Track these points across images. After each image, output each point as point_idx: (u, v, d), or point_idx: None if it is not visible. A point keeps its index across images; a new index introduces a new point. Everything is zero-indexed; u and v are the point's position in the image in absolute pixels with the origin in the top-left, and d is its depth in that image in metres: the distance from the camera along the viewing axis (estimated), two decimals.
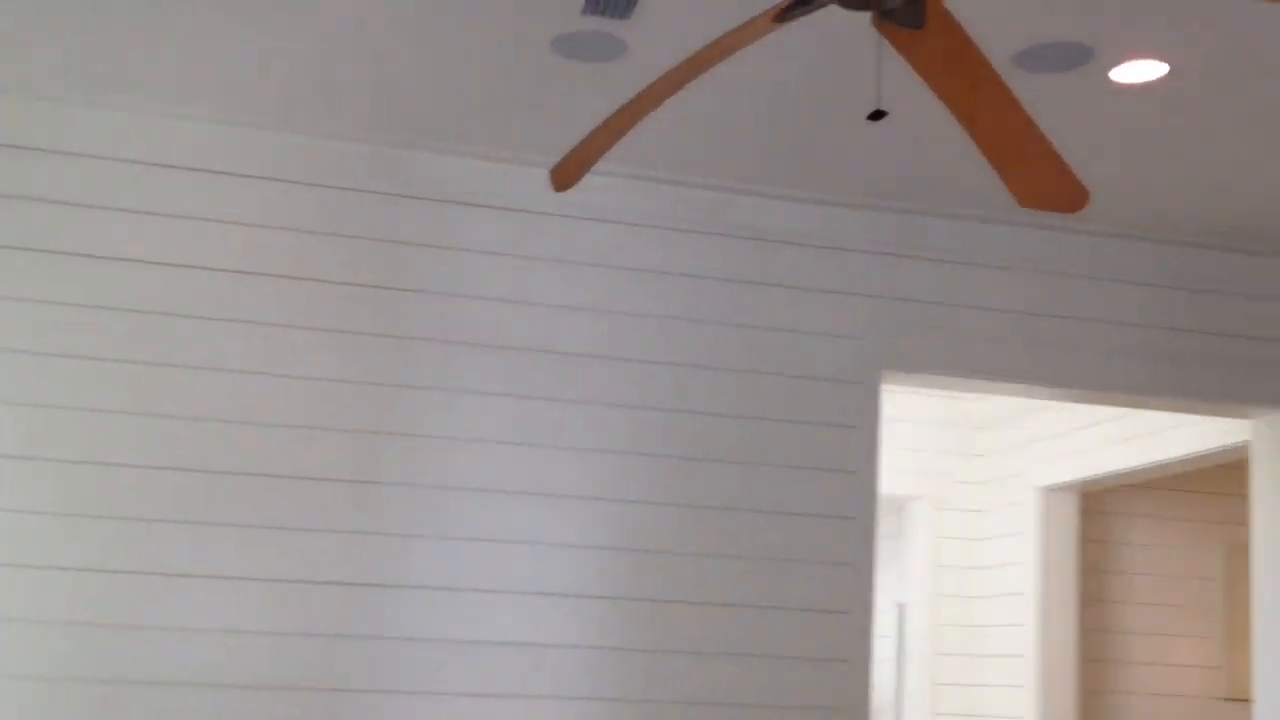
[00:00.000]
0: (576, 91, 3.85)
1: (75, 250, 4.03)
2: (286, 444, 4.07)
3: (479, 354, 4.26)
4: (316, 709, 3.97)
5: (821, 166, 4.34)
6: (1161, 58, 3.50)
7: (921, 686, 6.99)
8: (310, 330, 4.17)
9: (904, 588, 7.20)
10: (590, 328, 4.35)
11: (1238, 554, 7.05)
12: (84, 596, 3.86)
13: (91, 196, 4.06)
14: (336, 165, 4.26)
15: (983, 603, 7.07)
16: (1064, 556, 6.69)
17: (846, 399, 4.53)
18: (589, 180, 4.41)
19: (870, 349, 4.56)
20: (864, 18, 3.40)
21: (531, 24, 3.47)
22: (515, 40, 3.56)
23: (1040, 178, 2.85)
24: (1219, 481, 7.01)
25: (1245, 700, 6.88)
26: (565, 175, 2.98)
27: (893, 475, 7.04)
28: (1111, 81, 3.64)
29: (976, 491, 7.26)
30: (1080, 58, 3.51)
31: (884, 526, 8.55)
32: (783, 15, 2.34)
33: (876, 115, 2.24)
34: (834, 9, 3.36)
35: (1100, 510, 7.04)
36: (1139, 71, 3.58)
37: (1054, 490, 6.71)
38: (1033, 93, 3.73)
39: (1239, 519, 7.06)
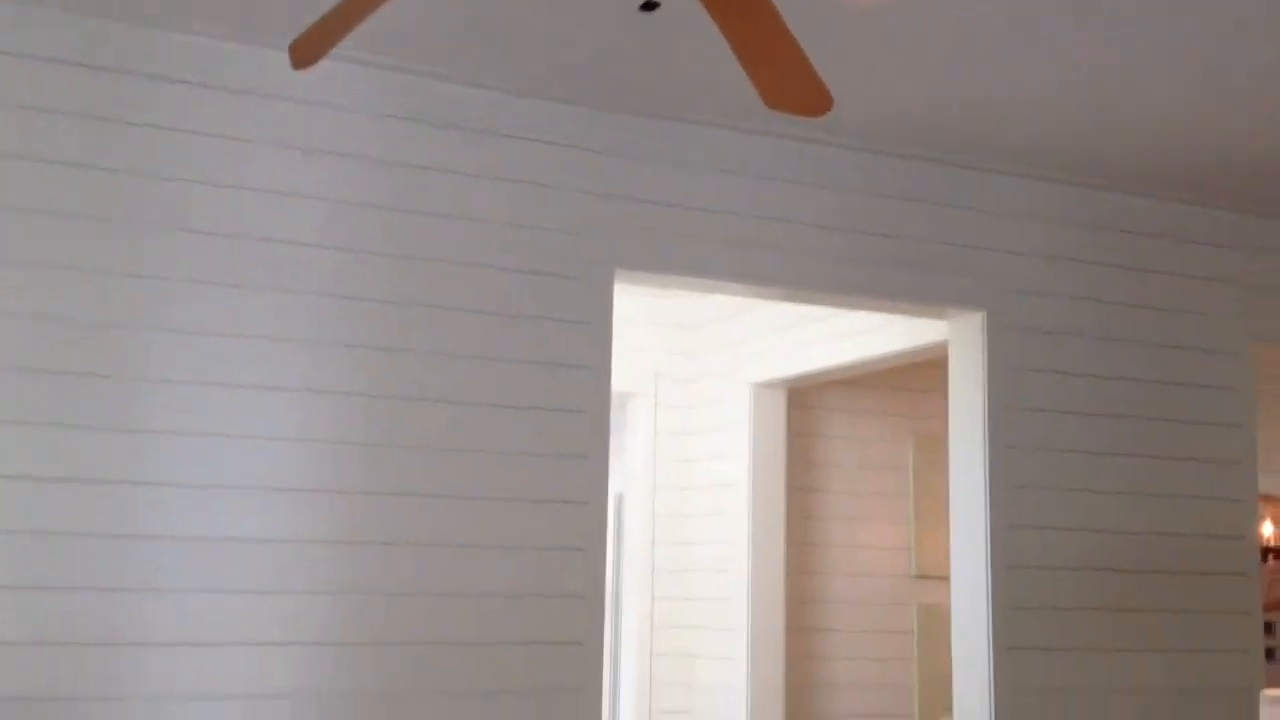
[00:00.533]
0: None
1: None
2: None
3: (195, 240, 4.05)
4: (40, 608, 3.75)
5: (565, 64, 4.31)
6: None
7: (641, 573, 7.24)
8: (15, 211, 3.86)
9: (623, 480, 7.40)
10: (315, 216, 4.21)
11: (926, 445, 7.58)
12: None
13: None
14: (47, 37, 3.93)
15: (698, 493, 7.36)
16: (773, 449, 7.02)
17: (579, 295, 4.57)
18: (318, 64, 4.23)
19: (602, 246, 4.61)
20: None
21: None
22: None
23: (788, 81, 2.93)
24: (911, 378, 7.50)
25: (931, 577, 7.46)
26: (305, 51, 2.85)
27: (613, 372, 7.19)
28: None
29: (692, 388, 7.50)
30: None
31: None
32: None
33: (648, 6, 2.24)
34: None
35: (806, 405, 7.41)
36: None
37: (764, 386, 7.01)
38: None
39: (928, 413, 7.59)
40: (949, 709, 6.46)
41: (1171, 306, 5.48)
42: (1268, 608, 6.27)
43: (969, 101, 4.59)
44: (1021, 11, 3.87)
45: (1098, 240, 5.39)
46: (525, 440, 4.42)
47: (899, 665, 7.41)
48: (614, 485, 8.50)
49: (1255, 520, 5.60)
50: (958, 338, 5.29)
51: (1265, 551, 6.18)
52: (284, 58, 4.17)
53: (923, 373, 7.36)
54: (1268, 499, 6.29)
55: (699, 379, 7.48)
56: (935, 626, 7.39)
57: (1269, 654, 6.61)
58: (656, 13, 3.88)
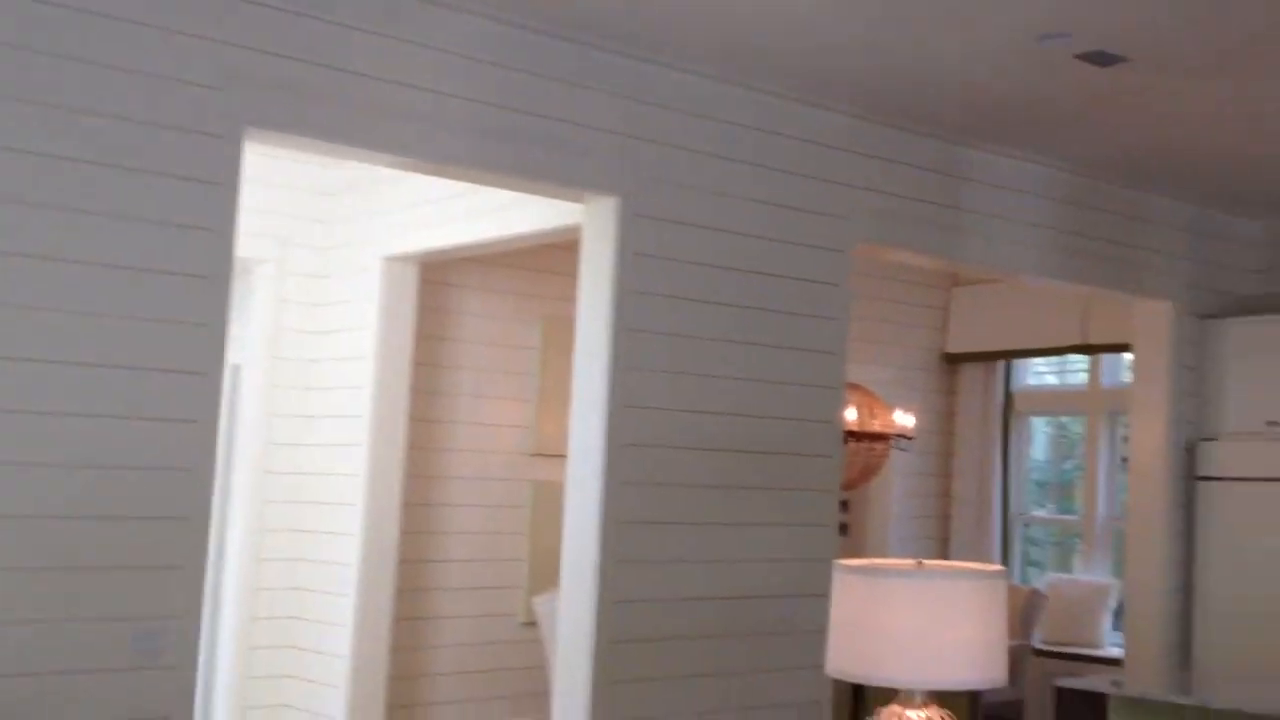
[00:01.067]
0: None
1: None
2: None
3: None
4: None
5: None
6: None
7: (253, 447, 7.05)
8: None
9: (241, 350, 7.13)
10: None
11: (555, 326, 7.73)
12: None
13: None
14: None
15: (322, 366, 7.21)
16: (401, 324, 6.97)
17: (204, 152, 4.34)
18: None
19: (232, 101, 4.38)
20: None
21: None
22: None
23: None
24: (545, 259, 7.59)
25: (548, 455, 7.66)
26: None
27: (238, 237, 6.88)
28: None
29: (321, 257, 7.31)
30: None
31: None
32: None
33: None
34: None
35: (439, 281, 7.39)
36: None
37: (397, 260, 6.93)
38: None
39: (559, 295, 7.71)
40: (557, 582, 6.71)
41: (787, 203, 5.80)
42: (845, 486, 6.84)
43: None
44: None
45: (730, 135, 5.61)
46: (140, 304, 4.18)
47: (512, 540, 7.62)
48: (232, 356, 8.20)
49: (841, 406, 6.08)
50: (591, 221, 5.39)
51: (846, 435, 6.73)
52: None
53: (556, 255, 7.46)
54: (850, 386, 6.84)
55: (330, 249, 7.29)
56: (548, 502, 7.62)
57: (842, 529, 7.25)
58: None
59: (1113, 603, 8.65)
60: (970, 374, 9.47)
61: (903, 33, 5.00)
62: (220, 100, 4.36)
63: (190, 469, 4.28)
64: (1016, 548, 9.40)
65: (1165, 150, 6.46)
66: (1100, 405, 9.14)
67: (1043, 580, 9.00)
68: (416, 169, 5.27)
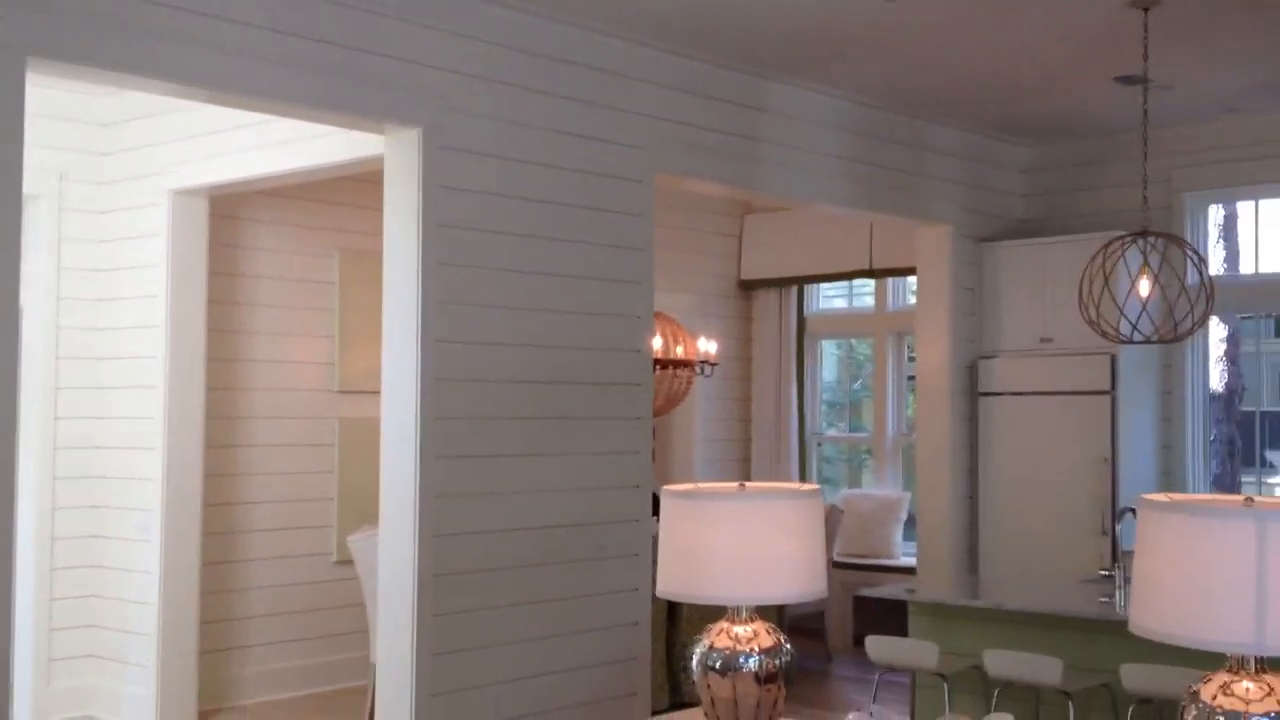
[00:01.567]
0: None
1: None
2: None
3: None
4: None
5: None
6: None
7: (39, 392, 6.73)
8: None
9: (22, 292, 6.76)
10: None
11: (353, 260, 7.60)
12: None
13: None
14: None
15: (111, 305, 6.91)
16: (193, 260, 6.73)
17: None
18: None
19: (10, 28, 4.13)
20: None
21: None
22: None
23: None
24: (339, 192, 7.44)
25: (354, 391, 7.56)
26: None
27: None
28: None
29: (103, 192, 6.98)
30: None
31: None
32: None
33: None
34: None
35: (230, 215, 7.15)
36: None
37: (185, 194, 6.67)
38: None
39: (356, 227, 7.59)
40: (371, 519, 6.66)
41: (590, 134, 5.82)
42: (653, 414, 6.98)
43: None
44: None
45: (533, 66, 5.58)
46: None
47: (321, 479, 7.50)
48: None
49: (650, 334, 6.18)
50: (393, 153, 5.30)
51: (654, 363, 6.86)
52: None
53: (350, 187, 7.32)
54: (657, 315, 6.95)
55: (112, 183, 6.96)
56: (356, 439, 7.54)
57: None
58: None
59: (904, 515, 9.10)
60: (765, 300, 9.73)
61: None
62: (1, 29, 4.11)
63: None
64: (813, 466, 9.76)
65: (945, 81, 6.74)
66: (887, 327, 9.53)
67: (837, 496, 9.38)
68: (209, 100, 5.07)
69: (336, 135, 5.73)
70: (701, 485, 3.34)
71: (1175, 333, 5.84)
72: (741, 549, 3.14)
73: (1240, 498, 2.42)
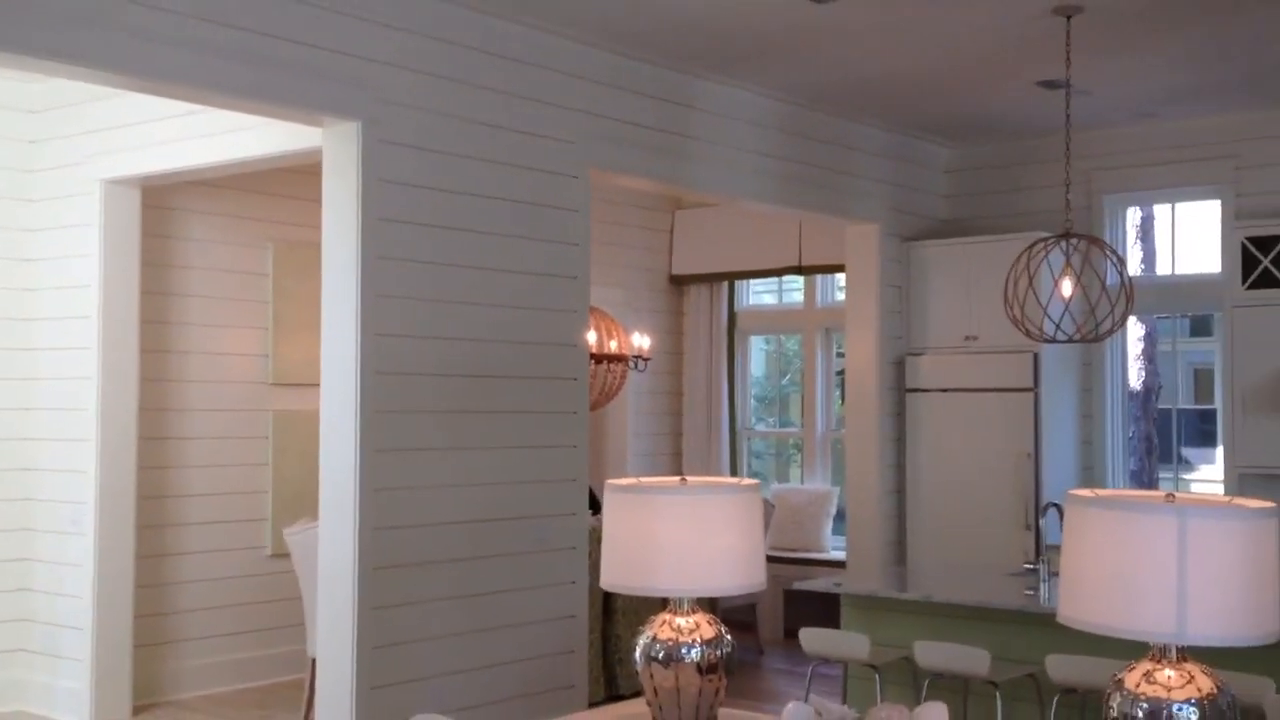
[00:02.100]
0: None
1: None
2: None
3: None
4: None
5: None
6: None
7: None
8: None
9: None
10: None
11: (288, 251, 7.58)
12: None
13: None
14: None
15: (41, 296, 6.83)
16: (126, 251, 6.68)
17: None
18: None
19: None
20: None
21: None
22: None
23: None
24: (274, 183, 7.41)
25: (288, 384, 7.55)
26: None
27: None
28: None
29: (32, 180, 6.89)
30: None
31: None
32: None
33: None
34: None
35: (162, 205, 7.10)
36: None
37: (117, 184, 6.62)
38: None
39: (291, 219, 7.57)
40: (306, 512, 6.66)
41: (527, 130, 5.87)
42: (590, 407, 7.04)
43: None
44: None
45: (470, 60, 5.62)
46: None
47: (255, 471, 7.48)
48: None
49: (585, 329, 6.25)
50: (332, 146, 5.31)
51: (589, 358, 6.92)
52: None
53: (285, 178, 7.30)
54: (591, 310, 7.01)
55: (43, 170, 6.88)
56: (291, 432, 7.53)
57: None
58: None
59: (833, 509, 9.26)
60: (696, 295, 9.83)
61: None
62: None
63: None
64: (743, 460, 9.89)
65: (871, 82, 6.88)
66: (816, 324, 9.67)
67: (768, 490, 9.51)
68: (144, 90, 5.03)
69: (272, 126, 5.72)
70: (644, 480, 3.41)
71: (1096, 332, 6.02)
72: (685, 542, 3.21)
73: (1162, 494, 2.54)
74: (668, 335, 9.77)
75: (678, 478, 3.45)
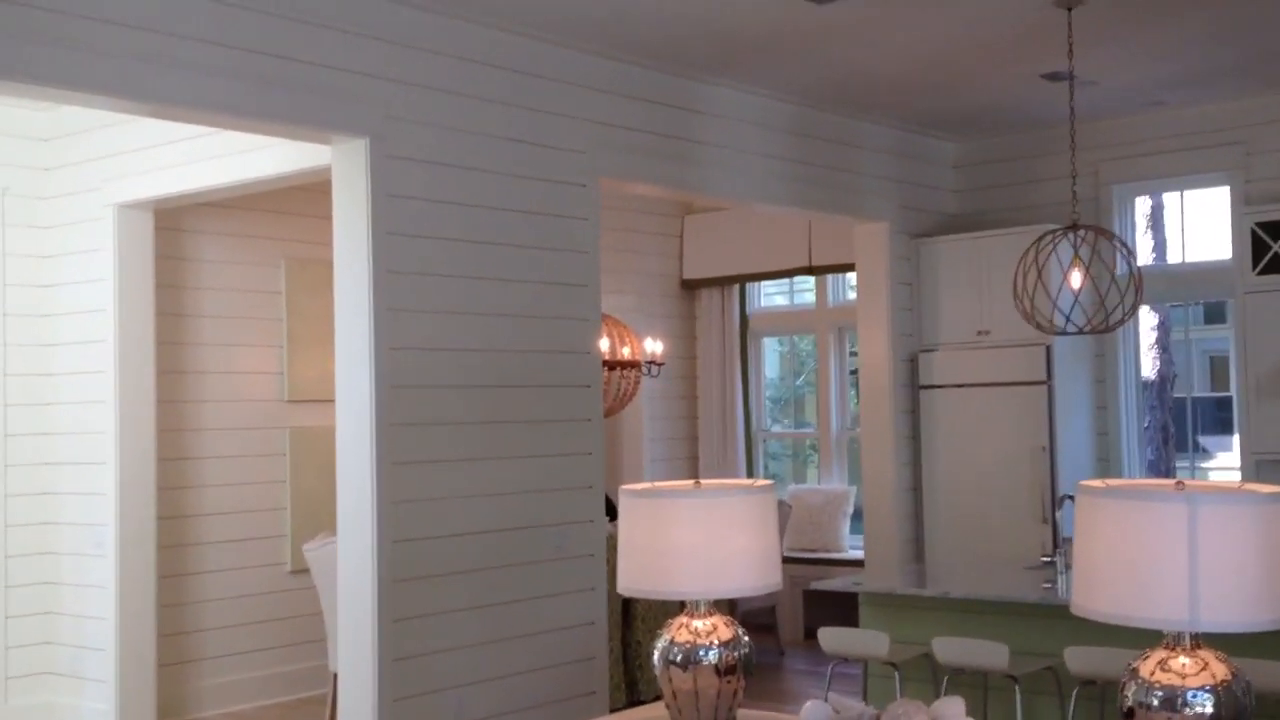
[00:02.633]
0: None
1: None
2: None
3: None
4: None
5: None
6: None
7: None
8: None
9: None
10: None
11: (300, 268, 7.63)
12: None
13: None
14: None
15: (59, 321, 6.89)
16: (140, 273, 6.73)
17: None
18: None
19: None
20: None
21: None
22: None
23: None
24: (284, 201, 7.46)
25: (304, 401, 7.59)
26: None
27: None
28: None
29: (45, 207, 6.96)
30: None
31: None
32: None
33: None
34: None
35: (175, 228, 7.15)
36: None
37: (130, 207, 6.67)
38: None
39: (302, 236, 7.61)
40: (325, 527, 6.69)
41: (534, 140, 5.90)
42: (604, 414, 7.07)
43: None
44: None
45: (476, 73, 5.65)
46: None
47: (273, 488, 7.52)
48: None
49: (598, 336, 6.28)
50: (341, 163, 5.35)
51: (603, 364, 6.94)
52: None
53: (295, 196, 7.34)
54: (603, 317, 7.05)
55: (56, 197, 6.94)
56: (308, 448, 7.57)
57: None
58: None
59: (850, 508, 9.26)
60: (708, 299, 9.85)
61: None
62: None
63: None
64: (759, 462, 9.90)
65: (876, 79, 6.89)
66: (828, 323, 9.68)
67: (785, 491, 9.52)
68: (154, 115, 5.10)
69: (281, 146, 5.77)
70: (658, 484, 3.42)
71: (1107, 323, 6.02)
72: (700, 544, 3.22)
73: (1172, 482, 2.55)
74: (681, 340, 9.79)
75: (691, 481, 3.47)
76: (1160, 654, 2.49)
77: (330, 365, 5.42)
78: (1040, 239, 6.00)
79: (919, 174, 8.20)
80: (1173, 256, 8.50)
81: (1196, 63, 6.75)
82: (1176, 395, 10.09)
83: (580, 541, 6.00)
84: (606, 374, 7.29)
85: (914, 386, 8.02)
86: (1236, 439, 7.52)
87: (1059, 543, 5.80)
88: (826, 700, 3.28)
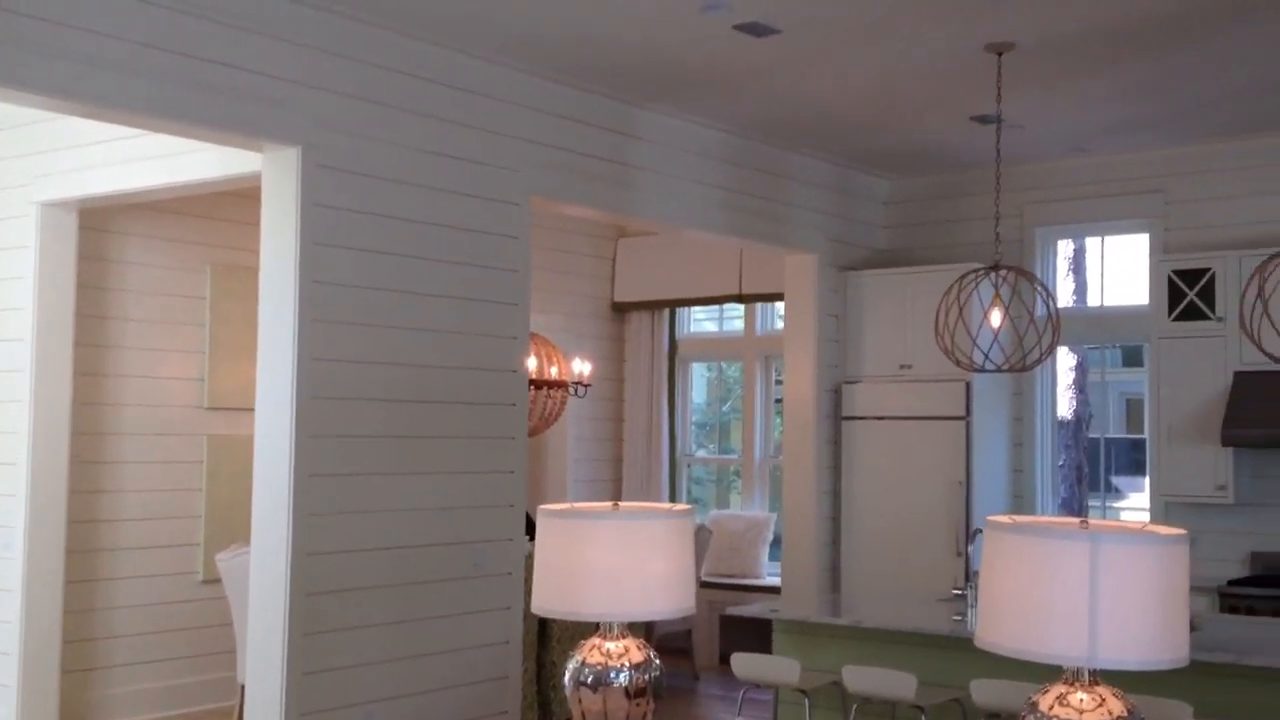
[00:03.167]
0: None
1: None
2: None
3: None
4: None
5: None
6: None
7: None
8: None
9: None
10: None
11: (225, 275, 7.55)
12: None
13: None
14: None
15: None
16: (62, 273, 6.63)
17: None
18: None
19: None
20: None
21: None
22: None
23: None
24: (213, 207, 7.39)
25: (223, 409, 7.50)
26: None
27: None
28: None
29: None
30: None
31: None
32: None
33: None
34: None
35: (97, 228, 7.05)
36: None
37: (54, 206, 6.57)
38: None
39: (229, 243, 7.54)
40: (239, 537, 6.61)
41: (467, 157, 5.90)
42: (529, 433, 7.06)
43: None
44: None
45: (411, 88, 5.65)
46: None
47: (187, 496, 7.41)
48: None
49: (525, 355, 6.27)
50: (272, 171, 5.32)
51: (529, 383, 6.94)
52: None
53: (224, 201, 7.28)
54: (531, 336, 7.05)
55: None
56: (225, 457, 7.47)
57: None
58: None
59: (770, 535, 9.32)
60: (638, 322, 9.88)
61: None
62: None
63: None
64: (683, 486, 9.93)
65: (811, 114, 6.99)
66: (756, 351, 9.75)
67: (706, 516, 9.56)
68: (84, 115, 5.03)
69: (213, 151, 5.71)
70: (577, 505, 3.43)
71: (1024, 363, 6.14)
72: (615, 566, 3.23)
73: (1076, 520, 2.61)
74: (609, 362, 9.81)
75: (609, 503, 3.48)
76: (1060, 689, 2.55)
77: (252, 374, 5.37)
78: (963, 277, 6.11)
79: (851, 208, 8.31)
80: (1093, 299, 8.68)
81: (1121, 112, 6.92)
82: (1092, 435, 10.29)
83: (498, 560, 5.99)
84: (533, 393, 7.29)
85: (837, 417, 8.11)
86: (1148, 480, 7.69)
87: (970, 576, 5.89)
88: None
